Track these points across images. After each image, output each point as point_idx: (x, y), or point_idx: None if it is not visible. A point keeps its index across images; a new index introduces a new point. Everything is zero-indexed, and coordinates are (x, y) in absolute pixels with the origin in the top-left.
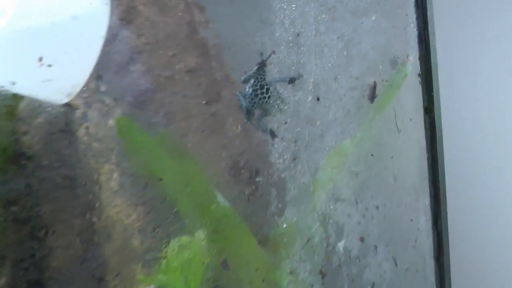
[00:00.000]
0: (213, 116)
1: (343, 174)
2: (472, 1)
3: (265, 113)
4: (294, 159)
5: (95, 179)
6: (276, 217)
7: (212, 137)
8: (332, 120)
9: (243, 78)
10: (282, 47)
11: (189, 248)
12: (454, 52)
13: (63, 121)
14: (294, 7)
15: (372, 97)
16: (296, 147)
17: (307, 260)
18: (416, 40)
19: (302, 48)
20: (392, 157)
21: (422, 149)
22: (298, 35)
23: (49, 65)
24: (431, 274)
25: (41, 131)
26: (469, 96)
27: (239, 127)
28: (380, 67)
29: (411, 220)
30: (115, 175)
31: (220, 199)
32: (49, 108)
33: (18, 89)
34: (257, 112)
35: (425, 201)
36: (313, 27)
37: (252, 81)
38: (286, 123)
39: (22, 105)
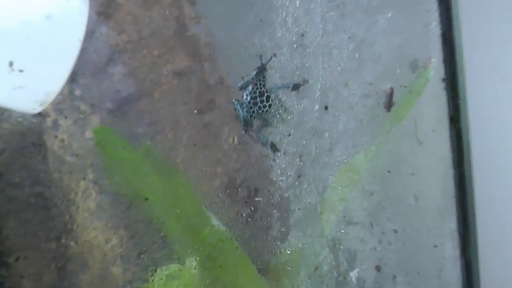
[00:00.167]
0: (206, 126)
1: (356, 194)
2: None
3: (266, 124)
4: (299, 176)
5: (71, 199)
6: (278, 242)
7: (205, 151)
8: (342, 132)
9: (240, 84)
10: (285, 49)
11: (178, 277)
12: (483, 54)
13: (36, 133)
14: (297, 3)
15: (389, 105)
16: (301, 163)
17: None
18: (439, 40)
19: (308, 50)
20: (413, 174)
21: (447, 165)
22: (302, 35)
23: (21, 71)
24: None
25: (12, 145)
26: (501, 104)
27: (235, 139)
28: (398, 71)
29: (435, 246)
30: (94, 194)
31: (214, 221)
32: (21, 119)
33: None
34: (256, 123)
35: (451, 224)
36: (320, 26)
37: (250, 87)
38: (289, 135)
39: None
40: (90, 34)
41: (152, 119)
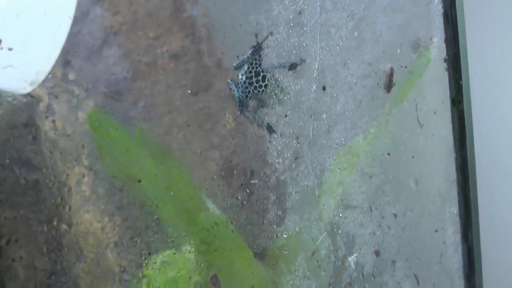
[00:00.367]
0: (201, 109)
1: (355, 177)
2: None
3: (262, 104)
4: (296, 158)
5: (63, 181)
6: (275, 226)
7: (200, 134)
8: (340, 113)
9: (235, 64)
10: (281, 28)
11: (173, 262)
12: (486, 34)
13: (26, 113)
14: None
15: (389, 86)
16: (298, 145)
17: (312, 277)
18: (441, 19)
19: (305, 29)
20: (413, 157)
21: (449, 148)
22: (300, 13)
23: (10, 49)
24: None
25: (1, 125)
26: (504, 86)
27: (231, 121)
28: (398, 51)
29: (436, 231)
30: (86, 176)
31: (210, 205)
32: (10, 98)
33: None
34: (252, 104)
35: (453, 209)
36: (318, 4)
37: (245, 67)
38: (286, 116)
39: None
40: (84, 15)
41: (147, 102)
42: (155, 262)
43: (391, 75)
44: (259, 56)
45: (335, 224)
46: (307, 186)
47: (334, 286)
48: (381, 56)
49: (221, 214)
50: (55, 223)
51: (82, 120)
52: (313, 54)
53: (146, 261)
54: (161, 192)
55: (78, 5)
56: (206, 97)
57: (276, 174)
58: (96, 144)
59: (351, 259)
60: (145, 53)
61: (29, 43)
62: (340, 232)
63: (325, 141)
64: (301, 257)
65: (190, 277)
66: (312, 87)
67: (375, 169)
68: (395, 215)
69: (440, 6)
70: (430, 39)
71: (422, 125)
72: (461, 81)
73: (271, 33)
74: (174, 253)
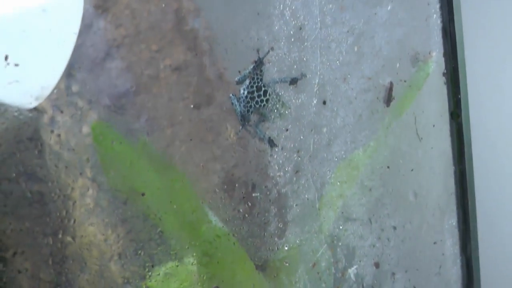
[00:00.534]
0: (204, 122)
1: (355, 190)
2: None
3: (263, 118)
4: (297, 171)
5: (68, 194)
6: (276, 239)
7: (202, 147)
8: (341, 127)
9: (237, 78)
10: (282, 43)
11: (175, 274)
12: (484, 48)
13: (32, 127)
14: None
15: (388, 100)
16: (299, 158)
17: None
18: (440, 33)
19: (306, 44)
20: (412, 169)
21: (448, 161)
22: (300, 28)
23: (16, 65)
24: None
25: (7, 139)
26: (502, 100)
27: (233, 135)
28: (397, 65)
29: (435, 243)
30: (91, 189)
31: (212, 217)
32: (16, 113)
33: None
34: (254, 118)
35: (451, 221)
36: (318, 19)
37: (247, 82)
38: (287, 130)
39: None
40: (87, 28)
41: (150, 115)
42: (158, 274)
43: (390, 89)
44: (261, 71)
45: (335, 236)
46: (307, 199)
47: None
48: (381, 71)
49: (223, 226)
50: (60, 235)
51: (86, 133)
52: (314, 69)
53: (149, 273)
54: (164, 205)
55: (82, 18)
56: (208, 111)
57: (277, 187)
58: (100, 157)
59: (351, 271)
60: (148, 66)
61: (35, 58)
62: (340, 244)
63: (325, 155)
64: (302, 269)
65: None
66: (313, 102)
67: (375, 182)
68: (395, 227)
69: (439, 21)
70: (429, 53)
71: (421, 138)
72: (460, 95)
73: (272, 48)
74: (177, 265)
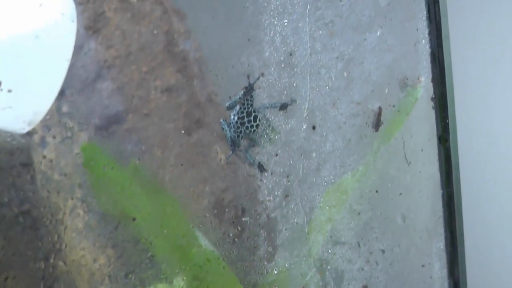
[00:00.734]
0: (194, 146)
1: (343, 214)
2: (494, 14)
3: (253, 143)
4: (286, 196)
5: (59, 218)
6: (265, 263)
7: (193, 171)
8: (330, 152)
9: (227, 104)
10: (272, 69)
11: None
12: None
13: (24, 153)
14: (286, 22)
15: (377, 125)
16: (289, 183)
17: None
18: (428, 59)
19: (296, 70)
20: (401, 193)
21: (436, 185)
22: (290, 54)
23: (9, 91)
24: None
25: (0, 164)
26: (490, 124)
27: (223, 159)
28: (386, 90)
29: (423, 266)
30: (82, 213)
31: (202, 241)
32: (9, 139)
33: None
34: (244, 143)
35: (439, 244)
36: (308, 45)
37: (238, 107)
38: (276, 155)
39: None
40: (78, 49)
41: (140, 137)
42: None
43: (379, 114)
44: (251, 96)
45: (324, 260)
46: (297, 223)
47: None
48: (370, 96)
49: (213, 250)
50: (51, 259)
51: (77, 155)
52: (303, 94)
53: None
54: (155, 230)
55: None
56: (198, 134)
57: (266, 211)
58: (91, 182)
59: None
60: (138, 87)
61: (28, 84)
62: (329, 268)
63: (314, 179)
64: None
65: None
66: (302, 127)
67: (363, 206)
68: (383, 251)
69: (428, 46)
70: (418, 79)
71: (410, 163)
72: (448, 119)
73: (262, 74)
74: None
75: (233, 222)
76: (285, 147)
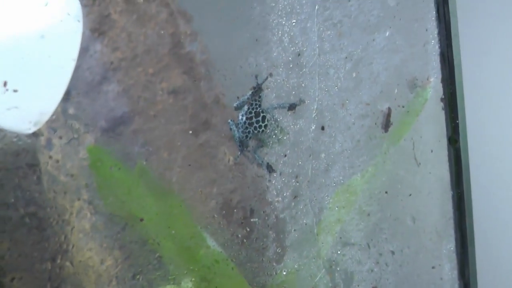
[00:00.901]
0: (201, 146)
1: (353, 215)
2: (504, 14)
3: (261, 144)
4: (295, 197)
5: (65, 219)
6: (274, 264)
7: (200, 171)
8: (339, 153)
9: (235, 104)
10: (281, 69)
11: None
12: (482, 73)
13: (30, 153)
14: (294, 22)
15: (386, 125)
16: (297, 184)
17: None
18: (438, 59)
19: (304, 70)
20: (410, 194)
21: (446, 186)
22: (299, 54)
23: (15, 91)
24: None
25: (6, 165)
26: (500, 125)
27: (231, 160)
28: (395, 91)
29: (433, 267)
30: (88, 214)
31: (210, 242)
32: (15, 139)
33: None
34: (252, 143)
35: (449, 245)
36: (317, 45)
37: (246, 108)
38: (285, 156)
39: None
40: (84, 51)
41: (147, 139)
42: None
43: (388, 114)
44: (259, 97)
45: (334, 261)
46: (306, 224)
47: None
48: (379, 96)
49: (221, 251)
50: (58, 260)
51: (83, 157)
52: (312, 95)
53: None
54: (163, 230)
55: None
56: (205, 135)
57: (275, 212)
58: (97, 183)
59: None
60: (144, 89)
61: (34, 84)
62: (338, 269)
63: (323, 180)
64: None
65: None
66: (311, 127)
67: (373, 207)
68: (393, 252)
69: (437, 47)
70: (427, 79)
71: (419, 164)
72: (458, 120)
73: (270, 74)
74: None
75: (242, 223)
76: (293, 148)
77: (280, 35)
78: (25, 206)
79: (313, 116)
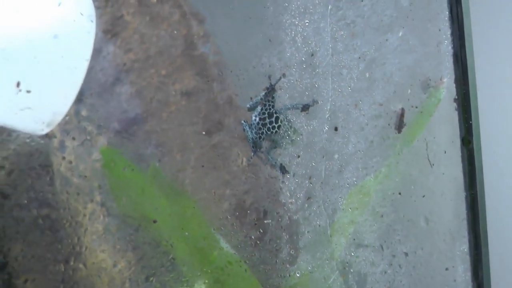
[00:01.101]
0: (215, 147)
1: (366, 216)
2: None
3: (275, 145)
4: (308, 198)
5: (79, 221)
6: (287, 265)
7: (213, 173)
8: (352, 153)
9: (248, 105)
10: (294, 69)
11: None
12: (495, 74)
13: (43, 154)
14: (307, 22)
15: (400, 126)
16: (311, 185)
17: None
18: (451, 59)
19: (317, 70)
20: (424, 196)
21: (459, 187)
22: (312, 55)
23: (28, 91)
24: None
25: (19, 166)
26: None
27: (244, 161)
28: (409, 91)
29: (447, 269)
30: (101, 216)
31: (223, 244)
32: (28, 140)
33: None
34: (265, 144)
35: (463, 247)
36: (330, 46)
37: (259, 108)
38: (298, 156)
39: None
40: (97, 52)
41: (159, 140)
42: None
43: (402, 115)
44: (272, 97)
45: (347, 263)
46: (319, 225)
47: None
48: (392, 97)
49: (234, 253)
50: (71, 262)
51: (96, 158)
52: (325, 95)
53: None
54: (176, 232)
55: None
56: (219, 136)
57: (288, 213)
58: (110, 184)
59: None
60: (157, 91)
61: (47, 85)
62: (352, 271)
63: (337, 181)
64: None
65: None
66: (324, 128)
67: (386, 208)
68: (406, 254)
69: (450, 47)
70: (440, 79)
71: (433, 165)
72: (471, 120)
73: (283, 75)
74: None
75: (255, 224)
76: (307, 149)
77: (293, 35)
78: (38, 208)
79: (327, 116)
